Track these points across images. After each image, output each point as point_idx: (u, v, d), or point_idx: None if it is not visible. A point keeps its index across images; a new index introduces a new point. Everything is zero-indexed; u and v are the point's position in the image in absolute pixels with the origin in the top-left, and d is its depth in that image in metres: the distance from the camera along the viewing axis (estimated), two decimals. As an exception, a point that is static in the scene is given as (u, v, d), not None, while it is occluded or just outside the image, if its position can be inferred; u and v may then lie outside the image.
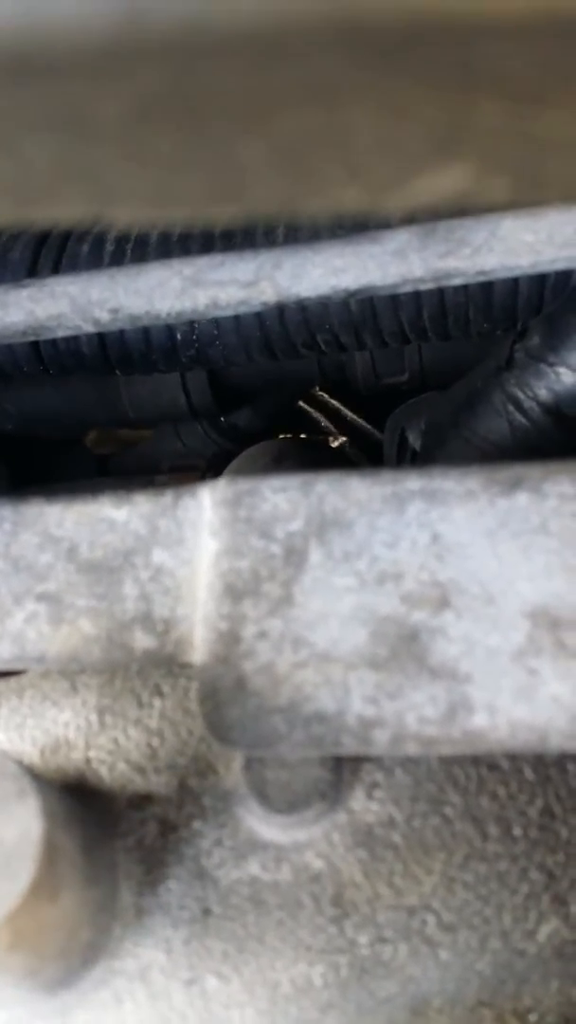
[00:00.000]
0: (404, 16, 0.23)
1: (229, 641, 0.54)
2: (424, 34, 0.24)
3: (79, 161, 0.31)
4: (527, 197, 0.31)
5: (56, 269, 0.90)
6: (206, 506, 0.58)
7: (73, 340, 0.93)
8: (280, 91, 0.27)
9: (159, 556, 0.57)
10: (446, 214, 0.70)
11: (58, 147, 0.30)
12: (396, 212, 0.28)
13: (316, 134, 0.28)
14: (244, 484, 0.57)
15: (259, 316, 0.89)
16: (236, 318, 0.89)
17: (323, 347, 0.91)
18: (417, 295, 0.85)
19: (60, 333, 0.76)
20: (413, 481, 0.56)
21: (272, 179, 0.30)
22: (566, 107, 0.26)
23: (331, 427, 1.44)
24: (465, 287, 0.85)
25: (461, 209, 0.70)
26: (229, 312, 0.74)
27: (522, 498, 0.55)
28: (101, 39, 0.25)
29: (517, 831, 0.59)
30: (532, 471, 0.55)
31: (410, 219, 0.72)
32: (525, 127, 0.27)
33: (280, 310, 0.88)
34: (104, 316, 0.75)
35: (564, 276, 0.82)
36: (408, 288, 0.70)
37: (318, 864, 0.59)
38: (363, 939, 0.58)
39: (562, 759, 0.60)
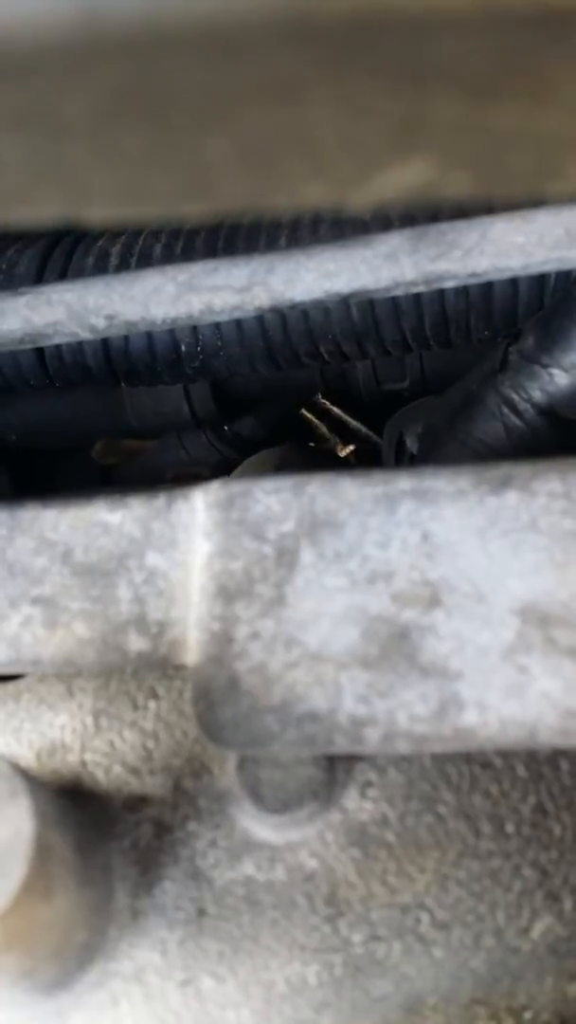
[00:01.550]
0: (355, 11, 0.24)
1: (222, 642, 0.54)
2: (377, 29, 0.24)
3: (50, 160, 0.31)
4: (489, 190, 0.32)
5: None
6: (199, 508, 0.58)
7: (79, 352, 0.94)
8: (241, 88, 0.27)
9: (153, 559, 0.58)
10: (437, 217, 0.71)
11: (29, 146, 0.31)
12: (361, 207, 0.29)
13: (279, 131, 0.29)
14: (236, 486, 0.58)
15: (262, 326, 0.89)
16: (239, 329, 0.90)
17: (326, 357, 0.92)
18: (418, 303, 0.86)
19: (57, 340, 0.77)
20: (404, 481, 0.56)
21: (238, 175, 0.30)
22: (520, 100, 0.26)
23: (330, 434, 1.45)
24: (466, 295, 0.85)
25: (458, 212, 0.71)
26: (224, 317, 0.74)
27: (512, 497, 0.55)
28: (61, 36, 0.25)
29: (510, 828, 0.59)
30: (521, 470, 0.56)
31: (410, 220, 0.73)
32: (482, 120, 0.27)
33: (283, 320, 0.89)
34: (100, 323, 0.76)
35: (563, 282, 0.83)
36: (400, 291, 0.71)
37: (312, 863, 0.59)
38: (357, 938, 0.58)
39: (555, 756, 0.60)
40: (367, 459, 1.42)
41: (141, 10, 0.25)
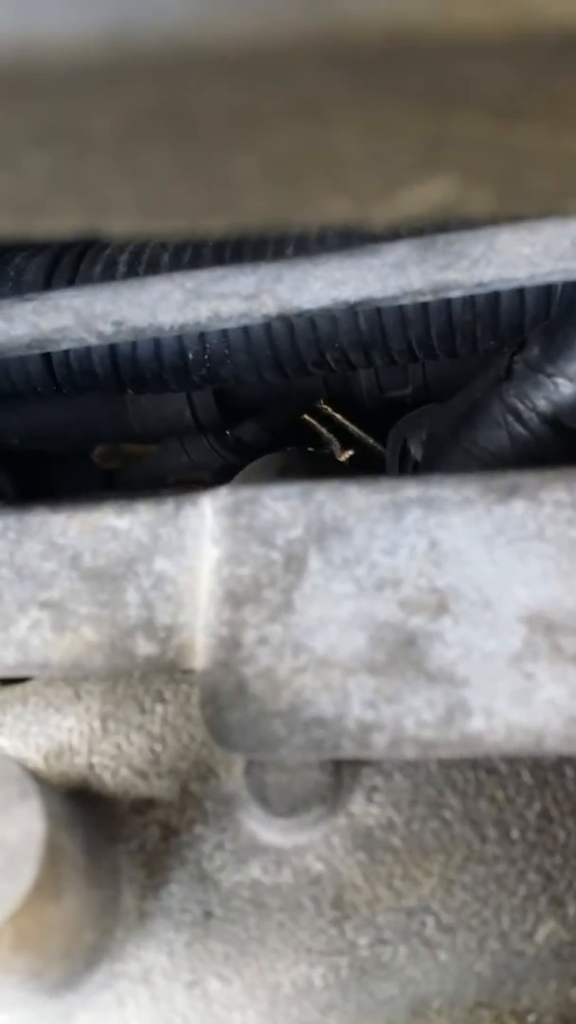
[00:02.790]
0: (382, 34, 0.24)
1: (230, 647, 0.55)
2: (404, 51, 0.25)
3: (74, 174, 0.32)
4: (510, 208, 0.32)
5: None
6: (207, 514, 0.58)
7: (86, 359, 0.95)
8: (268, 106, 0.28)
9: (161, 564, 0.58)
10: (445, 227, 0.71)
11: (54, 161, 0.31)
12: (384, 223, 0.30)
13: (304, 148, 0.29)
14: (244, 492, 0.58)
15: (269, 335, 0.90)
16: (247, 337, 0.90)
17: (332, 365, 0.92)
18: (425, 313, 0.87)
19: (64, 346, 0.78)
20: (411, 489, 0.57)
21: (262, 192, 0.31)
22: (543, 120, 0.27)
23: (332, 440, 1.45)
24: (473, 305, 0.86)
25: (465, 222, 0.71)
26: (231, 324, 0.75)
27: (518, 505, 0.56)
28: (90, 55, 0.26)
29: (515, 834, 0.60)
30: (528, 479, 0.56)
31: (418, 231, 0.73)
32: (505, 140, 0.28)
33: (290, 329, 0.89)
34: (108, 329, 0.76)
35: (570, 293, 0.83)
36: (407, 300, 0.71)
37: (318, 867, 0.60)
38: (363, 941, 0.58)
39: (560, 762, 0.61)
40: (367, 465, 1.42)
41: (170, 30, 0.25)
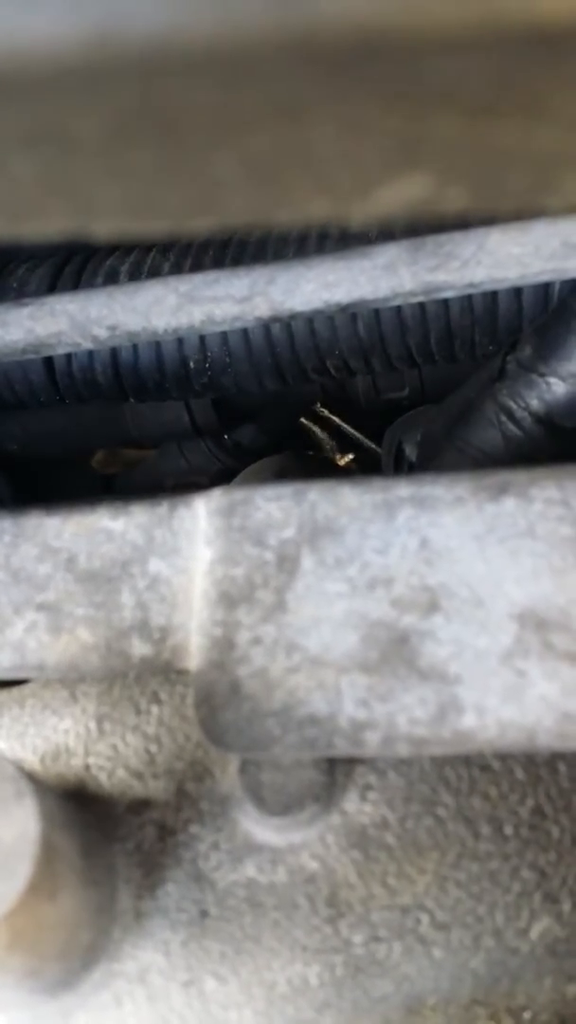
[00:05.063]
0: (356, 34, 0.25)
1: (224, 647, 0.55)
2: (377, 51, 0.25)
3: (61, 177, 0.32)
4: (486, 206, 0.33)
5: None
6: (201, 515, 0.59)
7: (88, 369, 0.95)
8: (248, 108, 0.28)
9: (155, 565, 0.59)
10: (436, 228, 0.72)
11: (42, 163, 0.32)
12: (363, 221, 0.30)
13: (284, 149, 0.30)
14: (237, 494, 0.59)
15: (269, 342, 0.90)
16: (247, 345, 0.91)
17: (332, 372, 0.93)
18: (424, 319, 0.87)
19: (60, 350, 0.78)
20: (403, 488, 0.57)
21: (244, 192, 0.31)
22: (516, 117, 0.27)
23: (329, 442, 1.46)
24: (471, 310, 0.86)
25: (456, 223, 0.72)
26: (225, 327, 0.75)
27: (509, 503, 0.56)
28: (75, 57, 0.26)
29: (508, 830, 0.60)
30: (519, 477, 0.57)
31: (410, 232, 0.74)
32: (479, 138, 0.28)
33: (290, 336, 0.90)
34: (102, 333, 0.76)
35: (562, 292, 0.83)
36: (399, 301, 0.72)
37: (313, 865, 0.60)
38: (358, 938, 0.59)
39: (552, 759, 0.61)
40: (366, 468, 1.43)
41: (152, 32, 0.26)
